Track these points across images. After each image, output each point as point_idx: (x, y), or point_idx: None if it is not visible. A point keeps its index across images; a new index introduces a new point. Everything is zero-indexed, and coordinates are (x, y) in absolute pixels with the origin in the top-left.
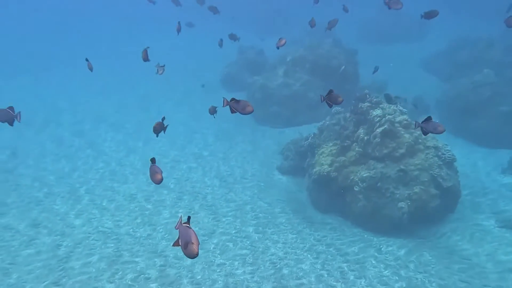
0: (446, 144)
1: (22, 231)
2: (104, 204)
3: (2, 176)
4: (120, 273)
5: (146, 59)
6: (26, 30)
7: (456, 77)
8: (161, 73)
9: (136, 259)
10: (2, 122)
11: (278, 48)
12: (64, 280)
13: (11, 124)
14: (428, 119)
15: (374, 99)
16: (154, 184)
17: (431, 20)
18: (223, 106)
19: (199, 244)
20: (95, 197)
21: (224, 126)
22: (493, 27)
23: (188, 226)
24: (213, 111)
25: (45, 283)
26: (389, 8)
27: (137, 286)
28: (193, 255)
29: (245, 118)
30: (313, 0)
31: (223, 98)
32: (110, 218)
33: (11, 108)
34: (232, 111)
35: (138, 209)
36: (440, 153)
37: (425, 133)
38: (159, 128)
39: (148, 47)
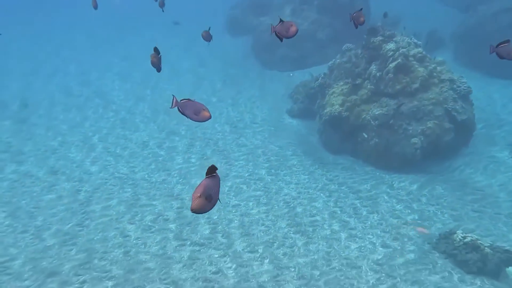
0: (462, 76)
1: (42, 178)
2: (117, 151)
3: (16, 126)
4: (139, 215)
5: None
6: None
7: (474, 5)
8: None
9: (154, 202)
10: None
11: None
12: (87, 222)
13: None
14: (507, 41)
15: (387, 32)
16: (165, 130)
17: None
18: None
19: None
20: (108, 145)
21: (231, 71)
22: None
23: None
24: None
25: (70, 225)
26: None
27: (156, 226)
28: (207, 118)
29: (251, 63)
30: None
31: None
32: (125, 164)
33: None
34: (280, 38)
35: (152, 155)
36: (455, 85)
37: (501, 57)
38: (157, 61)
39: None
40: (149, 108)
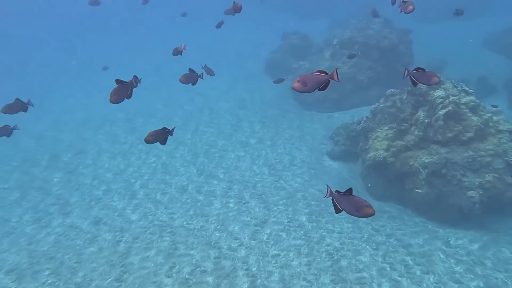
0: None
1: (85, 229)
2: (158, 197)
3: (66, 177)
4: (177, 266)
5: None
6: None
7: None
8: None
9: (191, 252)
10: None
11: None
12: (126, 276)
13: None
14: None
15: None
16: (204, 174)
17: None
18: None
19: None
20: (149, 191)
21: (270, 112)
22: None
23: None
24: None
25: (109, 280)
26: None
27: (194, 279)
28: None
29: (290, 104)
30: None
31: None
32: (164, 211)
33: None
34: (415, 84)
35: (190, 200)
36: None
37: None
38: (159, 137)
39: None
40: (189, 151)
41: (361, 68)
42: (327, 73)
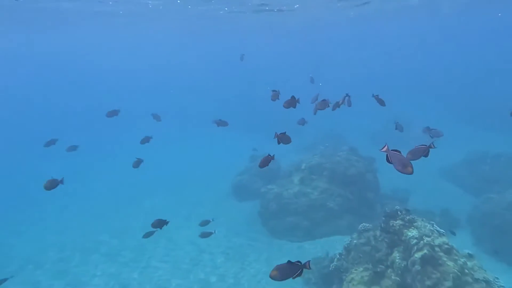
0: (497, 278)
1: None
2: None
3: None
4: None
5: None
6: None
7: (485, 191)
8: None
9: None
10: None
11: None
12: None
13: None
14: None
15: (407, 217)
16: None
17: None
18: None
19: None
20: None
21: (235, 241)
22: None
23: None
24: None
25: None
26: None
27: None
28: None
29: (258, 231)
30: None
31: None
32: None
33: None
34: (388, 161)
35: None
36: None
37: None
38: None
39: None
40: None
41: (331, 195)
42: (300, 262)
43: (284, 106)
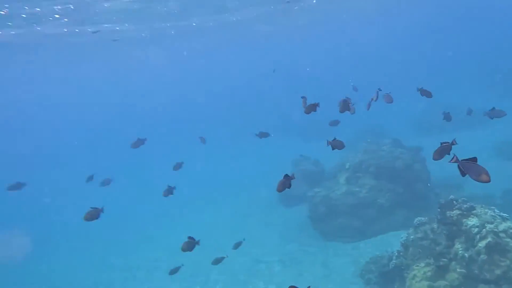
0: None
1: None
2: None
3: None
4: None
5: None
6: None
7: None
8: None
9: None
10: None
11: None
12: None
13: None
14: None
15: (464, 206)
16: None
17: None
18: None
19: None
20: None
21: (289, 248)
22: None
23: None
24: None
25: None
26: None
27: None
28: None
29: (310, 235)
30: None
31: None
32: None
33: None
34: (463, 174)
35: None
36: None
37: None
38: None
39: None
40: None
41: (379, 191)
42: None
43: (305, 112)
